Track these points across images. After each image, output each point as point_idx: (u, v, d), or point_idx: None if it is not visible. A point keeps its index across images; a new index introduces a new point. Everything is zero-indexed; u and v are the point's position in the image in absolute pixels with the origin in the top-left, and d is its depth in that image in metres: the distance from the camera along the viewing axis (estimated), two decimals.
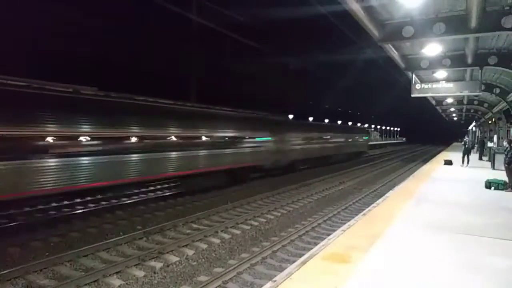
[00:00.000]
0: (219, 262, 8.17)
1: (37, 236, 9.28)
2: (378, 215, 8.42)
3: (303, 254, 6.92)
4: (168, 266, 7.79)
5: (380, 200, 10.54)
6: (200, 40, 26.63)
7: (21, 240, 8.94)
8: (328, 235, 8.34)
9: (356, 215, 9.23)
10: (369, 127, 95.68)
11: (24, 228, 9.73)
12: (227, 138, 17.32)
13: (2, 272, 6.86)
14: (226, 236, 9.97)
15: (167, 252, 8.49)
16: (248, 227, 10.89)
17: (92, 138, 10.89)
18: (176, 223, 10.87)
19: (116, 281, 7.02)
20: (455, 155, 26.45)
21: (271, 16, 32.31)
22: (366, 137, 44.34)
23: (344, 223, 8.50)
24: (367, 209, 9.30)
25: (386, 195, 11.42)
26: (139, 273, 7.36)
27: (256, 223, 11.35)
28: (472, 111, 37.20)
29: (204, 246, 9.10)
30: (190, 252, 8.64)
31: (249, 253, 8.67)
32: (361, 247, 5.93)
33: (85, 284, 6.79)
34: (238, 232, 10.39)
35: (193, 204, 13.88)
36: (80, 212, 11.98)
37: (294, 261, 6.64)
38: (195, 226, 10.93)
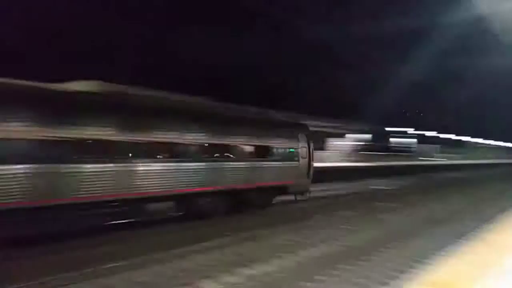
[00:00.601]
0: (305, 276, 7.93)
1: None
2: (489, 243, 7.53)
3: (397, 277, 6.49)
4: (256, 275, 7.78)
5: (490, 225, 9.44)
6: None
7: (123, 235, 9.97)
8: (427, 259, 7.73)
9: (459, 239, 8.39)
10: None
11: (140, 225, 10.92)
12: None
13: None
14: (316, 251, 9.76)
15: (257, 261, 8.57)
16: (340, 244, 10.51)
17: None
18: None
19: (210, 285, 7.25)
20: None
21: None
22: (293, 150, 15.80)
23: (446, 248, 7.75)
24: (474, 234, 8.39)
25: (498, 220, 10.18)
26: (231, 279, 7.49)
27: (348, 243, 10.86)
28: None
29: (296, 258, 9.00)
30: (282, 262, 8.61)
31: (339, 270, 8.34)
32: (468, 275, 5.34)
33: (180, 285, 7.14)
34: (330, 248, 10.08)
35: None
36: (178, 216, 12.81)
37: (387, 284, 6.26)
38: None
